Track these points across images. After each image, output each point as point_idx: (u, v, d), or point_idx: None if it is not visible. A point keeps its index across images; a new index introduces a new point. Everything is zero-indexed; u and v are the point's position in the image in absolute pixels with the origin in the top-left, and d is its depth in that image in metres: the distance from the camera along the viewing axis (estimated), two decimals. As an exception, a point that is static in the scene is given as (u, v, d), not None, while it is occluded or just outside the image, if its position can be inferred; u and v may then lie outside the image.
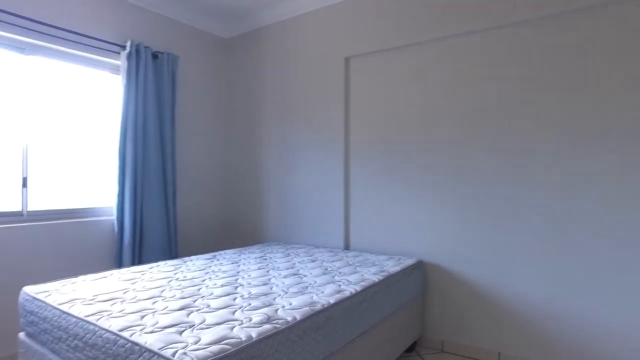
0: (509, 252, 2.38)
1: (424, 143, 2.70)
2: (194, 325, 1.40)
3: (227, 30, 3.77)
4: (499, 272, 2.41)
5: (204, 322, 1.43)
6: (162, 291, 1.81)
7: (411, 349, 2.59)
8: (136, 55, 2.95)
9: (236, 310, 1.56)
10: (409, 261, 2.56)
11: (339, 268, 2.36)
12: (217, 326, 1.39)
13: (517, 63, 2.36)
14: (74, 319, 1.52)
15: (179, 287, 1.87)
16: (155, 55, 3.12)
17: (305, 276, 2.16)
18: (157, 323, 1.41)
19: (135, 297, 1.73)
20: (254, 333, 1.34)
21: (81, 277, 2.05)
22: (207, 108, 3.69)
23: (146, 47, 3.02)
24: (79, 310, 1.56)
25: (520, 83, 2.35)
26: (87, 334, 1.44)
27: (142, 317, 1.48)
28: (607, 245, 2.10)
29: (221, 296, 1.75)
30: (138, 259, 2.90)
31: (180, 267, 2.31)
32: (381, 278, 2.15)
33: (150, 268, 2.28)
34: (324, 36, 3.16)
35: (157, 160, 3.05)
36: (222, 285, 1.92)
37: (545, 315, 2.26)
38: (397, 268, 2.37)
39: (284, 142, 3.41)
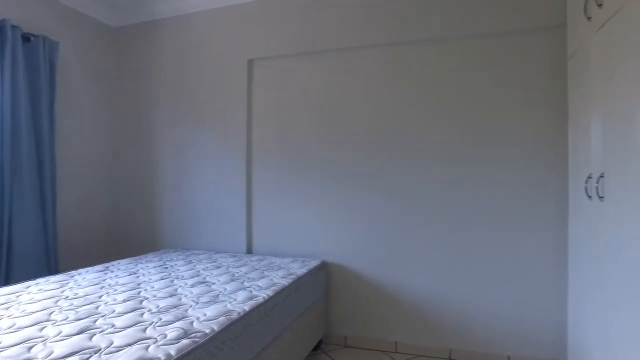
0: (403, 250, 2.64)
1: (325, 147, 2.83)
2: (100, 349, 1.25)
3: (115, 19, 3.40)
4: (395, 268, 2.66)
5: (111, 344, 1.29)
6: (51, 314, 1.57)
7: (317, 347, 2.69)
8: (-1, 34, 2.50)
9: (147, 327, 1.44)
10: (314, 262, 2.65)
11: (246, 273, 2.34)
12: (128, 347, 1.27)
13: (411, 75, 2.64)
14: None
15: (71, 307, 1.65)
16: (27, 38, 2.67)
17: (213, 284, 2.09)
18: (51, 353, 1.22)
19: (15, 324, 1.46)
20: (172, 350, 1.26)
21: None
22: (95, 102, 3.28)
23: (14, 27, 2.56)
24: None
25: (418, 93, 2.63)
26: (-50, 380, 1.15)
27: (30, 348, 1.26)
28: (484, 244, 2.48)
29: (125, 313, 1.59)
30: (5, 277, 2.44)
31: (67, 283, 2.02)
32: (290, 281, 2.19)
33: (27, 287, 1.95)
34: (227, 36, 3.08)
35: (31, 158, 2.61)
36: (124, 301, 1.75)
37: (434, 305, 2.57)
38: (304, 270, 2.45)
39: (182, 143, 3.22)
